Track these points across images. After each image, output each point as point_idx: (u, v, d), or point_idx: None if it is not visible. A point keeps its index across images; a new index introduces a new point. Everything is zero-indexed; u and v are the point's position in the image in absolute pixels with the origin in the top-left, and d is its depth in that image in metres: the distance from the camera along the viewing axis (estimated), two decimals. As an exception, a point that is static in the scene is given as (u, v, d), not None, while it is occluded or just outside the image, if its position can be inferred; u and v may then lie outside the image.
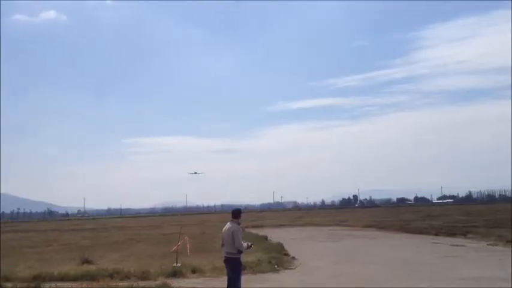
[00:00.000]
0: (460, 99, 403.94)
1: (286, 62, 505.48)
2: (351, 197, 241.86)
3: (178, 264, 15.91)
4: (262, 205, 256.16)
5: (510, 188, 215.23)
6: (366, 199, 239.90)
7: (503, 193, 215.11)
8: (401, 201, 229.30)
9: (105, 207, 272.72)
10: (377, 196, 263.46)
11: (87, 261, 17.73)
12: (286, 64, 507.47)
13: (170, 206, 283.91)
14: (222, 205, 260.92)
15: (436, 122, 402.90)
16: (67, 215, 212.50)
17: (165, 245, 24.07)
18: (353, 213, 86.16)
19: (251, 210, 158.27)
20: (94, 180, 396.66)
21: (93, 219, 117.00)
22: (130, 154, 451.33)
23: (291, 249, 21.31)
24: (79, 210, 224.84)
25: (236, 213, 9.43)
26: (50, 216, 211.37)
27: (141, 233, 41.88)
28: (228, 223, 9.30)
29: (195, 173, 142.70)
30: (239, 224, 9.35)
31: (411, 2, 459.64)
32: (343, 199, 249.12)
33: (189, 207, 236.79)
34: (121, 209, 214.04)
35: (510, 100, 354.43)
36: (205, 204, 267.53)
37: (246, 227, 34.99)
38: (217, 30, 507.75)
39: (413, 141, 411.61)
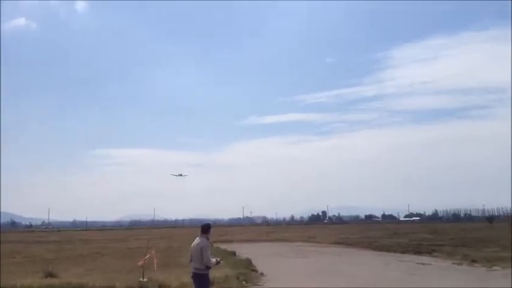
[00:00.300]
0: (425, 118, 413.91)
1: (258, 77, 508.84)
2: (320, 213, 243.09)
3: (145, 279, 15.61)
4: (232, 220, 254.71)
5: (474, 207, 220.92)
6: (334, 215, 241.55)
7: (468, 212, 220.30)
8: (369, 218, 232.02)
9: (70, 219, 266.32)
10: (345, 212, 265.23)
11: (50, 275, 17.23)
12: (258, 79, 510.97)
13: (137, 219, 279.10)
14: (190, 219, 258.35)
15: (403, 140, 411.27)
16: (31, 226, 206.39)
17: (131, 259, 23.60)
18: (322, 229, 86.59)
19: (220, 224, 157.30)
20: (59, 191, 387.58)
21: (58, 231, 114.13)
22: (99, 166, 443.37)
23: (259, 265, 21.17)
24: (43, 222, 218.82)
25: (205, 228, 9.32)
26: (13, 227, 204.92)
27: (107, 246, 41.01)
28: (197, 238, 9.18)
29: (180, 175, 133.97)
30: (208, 239, 9.25)
31: (380, 23, 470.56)
32: (312, 215, 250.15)
33: (157, 220, 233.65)
34: (86, 221, 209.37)
35: (473, 120, 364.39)
36: (174, 218, 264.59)
37: (215, 241, 34.69)
38: (190, 42, 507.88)
39: (381, 159, 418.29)
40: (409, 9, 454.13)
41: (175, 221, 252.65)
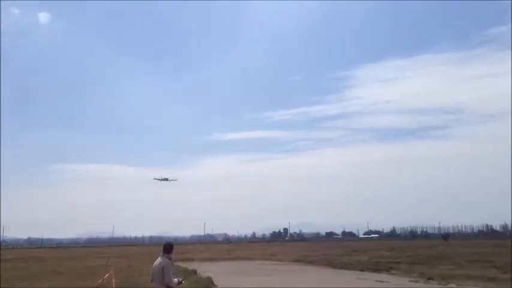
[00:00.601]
0: (387, 137, 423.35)
1: (224, 93, 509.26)
2: (282, 230, 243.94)
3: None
4: (193, 237, 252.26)
5: (430, 225, 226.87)
6: (296, 232, 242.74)
7: (425, 229, 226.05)
8: (330, 235, 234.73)
9: (25, 236, 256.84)
10: (307, 229, 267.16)
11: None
12: (224, 95, 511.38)
13: (95, 236, 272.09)
14: (150, 237, 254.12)
15: (365, 158, 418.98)
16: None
17: (89, 278, 23.11)
18: (283, 246, 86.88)
19: (181, 242, 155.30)
20: (14, 207, 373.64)
21: (13, 248, 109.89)
22: (56, 181, 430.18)
23: (220, 284, 21.15)
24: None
25: (168, 247, 9.34)
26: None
27: (64, 264, 39.86)
28: (159, 258, 9.19)
29: (166, 179, 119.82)
30: (170, 259, 9.27)
31: (344, 43, 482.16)
32: (274, 232, 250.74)
33: (116, 238, 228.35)
34: (42, 239, 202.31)
35: (432, 140, 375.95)
36: (133, 235, 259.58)
37: (175, 260, 34.30)
38: (156, 58, 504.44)
39: (343, 177, 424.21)
40: (371, 30, 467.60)
41: (135, 238, 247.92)
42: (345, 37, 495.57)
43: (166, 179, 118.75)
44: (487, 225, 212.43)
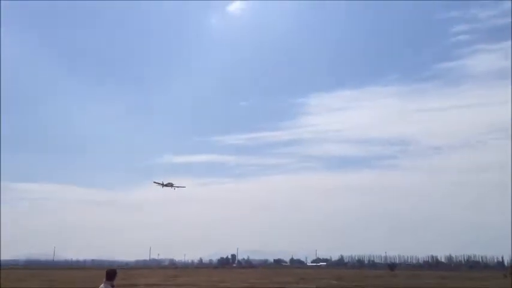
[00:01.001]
0: (336, 166, 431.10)
1: (175, 114, 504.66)
2: (229, 256, 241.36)
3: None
4: (138, 261, 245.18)
5: (377, 254, 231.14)
6: (244, 259, 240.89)
7: (372, 259, 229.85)
8: (278, 262, 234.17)
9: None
10: (255, 256, 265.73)
11: None
12: (175, 117, 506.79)
13: (35, 258, 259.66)
14: (93, 260, 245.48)
15: (314, 186, 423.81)
16: None
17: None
18: (230, 273, 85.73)
19: (125, 267, 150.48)
20: None
21: None
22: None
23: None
24: None
25: (111, 274, 8.90)
26: None
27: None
28: (102, 285, 8.73)
29: (171, 185, 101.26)
30: (113, 286, 8.82)
31: (300, 70, 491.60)
32: (222, 258, 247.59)
33: (57, 261, 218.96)
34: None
35: (379, 169, 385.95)
36: (75, 259, 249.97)
37: (117, 286, 33.04)
38: (108, 77, 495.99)
39: (291, 204, 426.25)
40: (325, 59, 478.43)
41: (77, 261, 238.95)
42: (299, 65, 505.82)
43: (171, 185, 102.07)
44: (432, 256, 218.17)
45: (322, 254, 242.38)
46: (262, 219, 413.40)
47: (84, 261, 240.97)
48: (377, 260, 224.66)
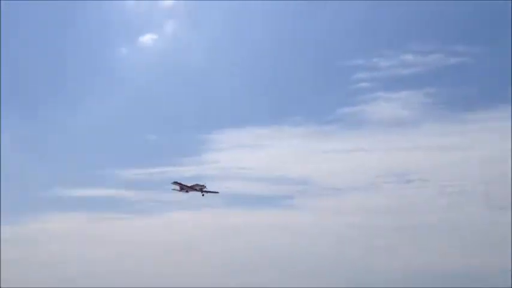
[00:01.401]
0: (238, 203, 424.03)
1: (73, 144, 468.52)
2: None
3: None
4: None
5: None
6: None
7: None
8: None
9: None
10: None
11: None
12: (73, 147, 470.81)
13: None
14: None
15: (216, 224, 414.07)
16: None
17: None
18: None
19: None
20: None
21: None
22: None
23: None
24: None
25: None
26: None
27: None
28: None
29: (201, 188, 72.98)
30: None
31: (208, 105, 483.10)
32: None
33: None
34: None
35: (281, 209, 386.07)
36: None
37: None
38: (4, 102, 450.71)
39: (191, 242, 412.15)
40: (234, 95, 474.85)
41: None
42: (208, 100, 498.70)
43: (200, 189, 72.80)
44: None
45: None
46: (159, 257, 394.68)
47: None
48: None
